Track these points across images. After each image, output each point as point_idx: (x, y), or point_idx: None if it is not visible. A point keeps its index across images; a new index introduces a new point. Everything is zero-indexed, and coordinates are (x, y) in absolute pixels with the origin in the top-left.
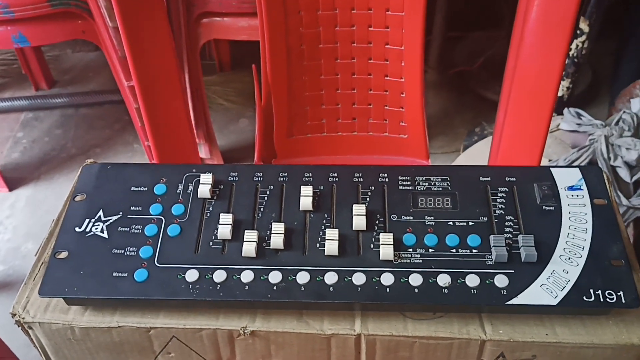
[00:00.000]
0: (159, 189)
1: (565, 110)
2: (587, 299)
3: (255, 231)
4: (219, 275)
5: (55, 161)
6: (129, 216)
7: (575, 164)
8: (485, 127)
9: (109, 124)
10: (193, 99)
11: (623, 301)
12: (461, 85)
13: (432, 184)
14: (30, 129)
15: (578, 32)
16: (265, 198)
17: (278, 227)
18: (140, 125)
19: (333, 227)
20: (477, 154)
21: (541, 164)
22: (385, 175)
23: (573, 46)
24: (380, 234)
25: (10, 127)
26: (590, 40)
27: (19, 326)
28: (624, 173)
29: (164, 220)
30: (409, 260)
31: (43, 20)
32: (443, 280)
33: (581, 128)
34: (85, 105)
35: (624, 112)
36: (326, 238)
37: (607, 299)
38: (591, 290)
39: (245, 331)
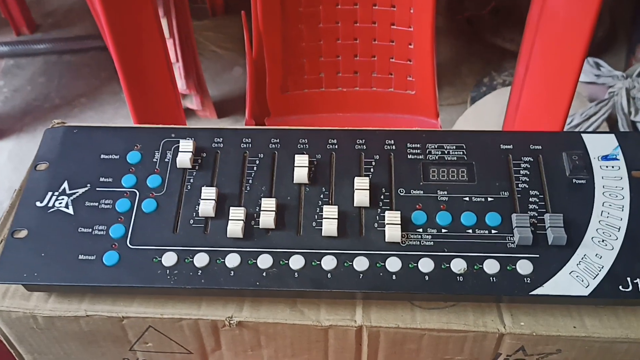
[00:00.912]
0: (133, 157)
1: None
2: (623, 289)
3: (242, 208)
4: (201, 259)
5: (38, 112)
6: (97, 189)
7: (593, 119)
8: (495, 77)
9: (95, 72)
10: (182, 46)
11: None
12: (470, 32)
13: (446, 152)
14: (11, 77)
15: None
16: (254, 168)
17: (268, 203)
18: None
19: (331, 204)
20: (486, 108)
21: None
22: (392, 141)
23: None
24: (386, 211)
25: None
26: None
27: None
28: None
29: (137, 193)
30: (418, 243)
31: None
32: (457, 266)
33: (600, 80)
34: (69, 52)
35: None
36: (324, 216)
37: None
38: (628, 279)
39: (231, 322)
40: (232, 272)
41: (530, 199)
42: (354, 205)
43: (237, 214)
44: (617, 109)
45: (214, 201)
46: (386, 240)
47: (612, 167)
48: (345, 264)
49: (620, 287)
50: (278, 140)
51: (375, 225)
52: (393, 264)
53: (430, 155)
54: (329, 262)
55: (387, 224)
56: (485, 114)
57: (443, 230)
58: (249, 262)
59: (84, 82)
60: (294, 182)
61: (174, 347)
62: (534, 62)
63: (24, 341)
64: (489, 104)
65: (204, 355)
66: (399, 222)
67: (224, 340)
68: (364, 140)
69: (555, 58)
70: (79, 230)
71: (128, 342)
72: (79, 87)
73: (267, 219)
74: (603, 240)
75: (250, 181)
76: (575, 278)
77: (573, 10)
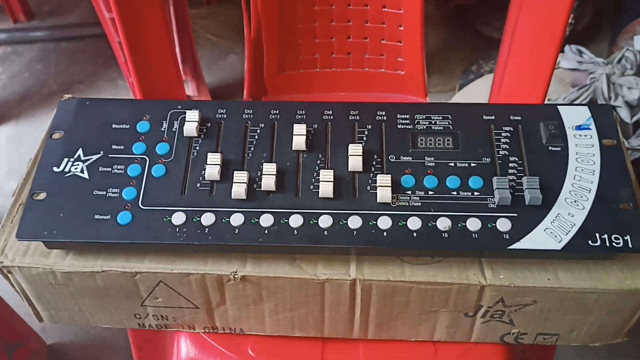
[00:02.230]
0: (142, 126)
1: (567, 48)
2: (592, 244)
3: (245, 172)
4: (207, 218)
5: (36, 97)
6: (110, 155)
7: (575, 103)
8: (482, 65)
9: (92, 58)
10: (179, 33)
11: (630, 246)
12: (458, 20)
13: (433, 122)
14: (9, 64)
15: None
16: (256, 137)
17: (269, 168)
18: (123, 60)
19: (328, 168)
20: (473, 93)
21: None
22: (383, 113)
23: None
24: (378, 175)
25: None
26: None
27: None
28: (624, 113)
29: (147, 160)
30: (407, 203)
31: None
32: (443, 224)
33: (582, 66)
34: (66, 39)
35: (627, 49)
36: (320, 179)
37: (614, 244)
38: (597, 235)
39: (236, 276)
40: (237, 229)
41: (510, 165)
42: (349, 169)
43: (240, 177)
44: (597, 94)
45: (219, 166)
46: (378, 200)
47: (585, 135)
48: (340, 222)
49: (590, 242)
50: (277, 112)
51: (368, 187)
52: (384, 222)
53: (419, 125)
54: (325, 221)
55: (379, 186)
56: (473, 99)
57: (430, 192)
58: (252, 221)
59: (80, 69)
60: (293, 149)
61: (182, 302)
62: (516, 41)
63: (41, 297)
64: (476, 89)
65: (209, 310)
66: (390, 185)
67: (229, 295)
68: (357, 112)
69: (537, 37)
70: (94, 192)
71: (140, 297)
72: (75, 74)
73: (268, 182)
74: (575, 201)
75: (252, 148)
76: (549, 234)
77: None
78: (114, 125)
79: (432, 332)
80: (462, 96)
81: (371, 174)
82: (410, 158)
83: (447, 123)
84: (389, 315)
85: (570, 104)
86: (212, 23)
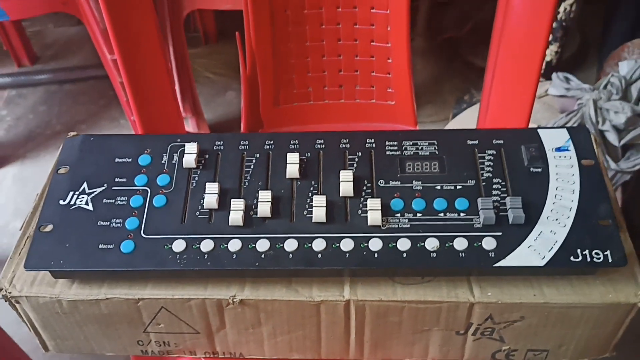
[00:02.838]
0: (144, 159)
1: (554, 75)
2: (574, 259)
3: (242, 200)
4: (207, 245)
5: (40, 138)
6: (113, 188)
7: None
8: (474, 95)
9: (94, 99)
10: (178, 71)
11: (610, 260)
12: (450, 52)
13: (420, 148)
14: (14, 107)
15: None
16: (252, 166)
17: (265, 195)
18: (125, 99)
19: (320, 194)
20: (465, 121)
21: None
22: (372, 140)
23: (561, 9)
24: (368, 199)
25: None
26: (578, 3)
27: (6, 301)
28: (612, 137)
29: (149, 191)
30: (397, 225)
31: None
32: (431, 244)
33: (570, 93)
34: (69, 81)
35: (612, 75)
36: (313, 205)
37: (595, 259)
38: (578, 251)
39: (235, 300)
40: (235, 255)
41: (494, 186)
42: (340, 195)
43: (237, 205)
44: (585, 119)
45: (217, 194)
46: (368, 224)
47: (564, 157)
48: (333, 245)
49: (572, 258)
50: (272, 142)
51: (359, 211)
52: (375, 244)
53: (406, 151)
54: (319, 244)
55: (369, 209)
56: (465, 126)
57: (418, 215)
58: (249, 246)
59: (83, 109)
60: (287, 177)
61: (183, 327)
62: (498, 70)
63: (48, 326)
64: (467, 118)
65: (210, 335)
66: (380, 208)
67: (228, 319)
68: (347, 140)
69: (517, 66)
70: (98, 223)
71: (142, 323)
72: (78, 114)
73: (264, 209)
74: (556, 219)
75: (248, 177)
76: (532, 251)
77: (530, 24)
78: (116, 160)
79: (425, 351)
80: (455, 124)
81: (362, 199)
82: (399, 182)
83: (433, 148)
84: (383, 335)
85: (551, 127)
86: (210, 62)
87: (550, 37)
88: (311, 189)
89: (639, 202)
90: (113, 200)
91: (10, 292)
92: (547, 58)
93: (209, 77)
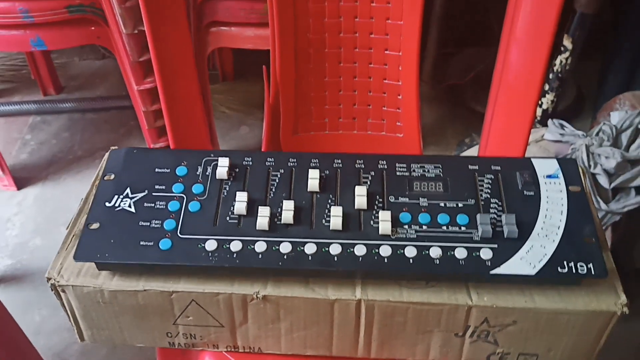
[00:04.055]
0: (181, 170)
1: (550, 122)
2: (561, 270)
3: (268, 207)
4: (236, 245)
5: (62, 162)
6: (153, 194)
7: None
8: (475, 139)
9: (115, 128)
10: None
11: (593, 272)
12: (453, 99)
13: (426, 170)
14: (38, 132)
15: (562, 48)
16: (277, 180)
17: (288, 205)
18: (147, 128)
19: (337, 206)
20: None
21: None
22: (384, 162)
23: (557, 62)
24: (380, 212)
25: (19, 129)
26: (574, 56)
27: (52, 290)
28: (603, 180)
29: (185, 197)
30: (404, 235)
31: (61, 26)
32: (435, 252)
33: (564, 138)
34: (91, 110)
35: (604, 123)
36: (331, 215)
37: (579, 270)
38: (565, 263)
39: (258, 295)
40: (260, 255)
41: (491, 205)
42: (355, 207)
43: (264, 211)
44: (578, 163)
45: (245, 202)
46: (380, 233)
47: (554, 183)
48: (348, 250)
49: (559, 269)
50: (295, 160)
51: (371, 222)
52: (385, 251)
53: (414, 173)
54: (335, 249)
55: (380, 220)
56: None
57: (424, 227)
58: (273, 248)
59: (104, 137)
60: (308, 190)
61: (210, 320)
62: (496, 117)
63: (87, 316)
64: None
65: (233, 329)
66: (390, 220)
67: (251, 314)
68: (362, 161)
69: (513, 111)
70: (139, 223)
71: (173, 315)
72: (99, 141)
73: (287, 216)
74: (546, 235)
75: (273, 189)
76: (524, 262)
77: (525, 76)
78: (156, 170)
79: (427, 352)
80: None
81: (374, 211)
82: (407, 199)
83: (438, 171)
84: (389, 334)
85: (543, 157)
86: (227, 98)
87: (547, 87)
88: (329, 201)
89: (628, 241)
90: (153, 204)
91: (58, 282)
92: (544, 106)
93: (224, 112)
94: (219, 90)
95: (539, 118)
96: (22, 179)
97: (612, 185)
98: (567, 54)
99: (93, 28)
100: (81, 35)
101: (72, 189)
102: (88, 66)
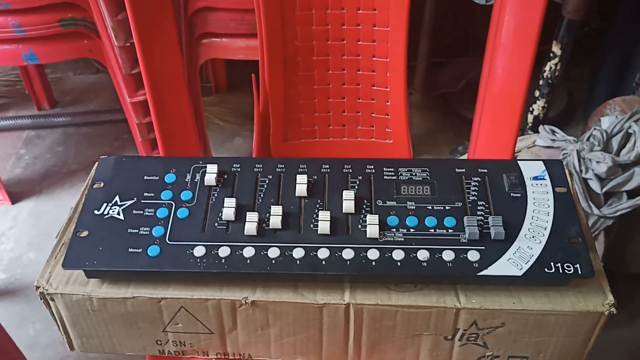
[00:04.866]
0: (169, 177)
1: (541, 128)
2: (548, 271)
3: (256, 213)
4: (224, 251)
5: (56, 176)
6: (142, 201)
7: None
8: (467, 146)
9: (109, 141)
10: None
11: (579, 272)
12: (444, 107)
13: (413, 174)
14: (32, 146)
15: (551, 54)
16: (265, 186)
17: (276, 210)
18: (140, 140)
19: (325, 210)
20: None
21: None
22: (372, 167)
23: (547, 68)
24: (367, 215)
25: (13, 144)
26: (563, 62)
27: (41, 298)
28: (594, 185)
29: (173, 204)
30: (392, 239)
31: (53, 40)
32: (422, 255)
33: (555, 144)
34: (85, 124)
35: (595, 128)
36: (319, 219)
37: (566, 271)
38: (552, 264)
39: (247, 301)
40: (248, 260)
41: (478, 207)
42: (343, 211)
43: (252, 217)
44: (569, 168)
45: (234, 208)
46: (367, 236)
47: (541, 184)
48: (336, 254)
49: (546, 270)
50: (283, 166)
51: (359, 225)
52: (373, 254)
53: (402, 177)
54: (323, 253)
55: (368, 224)
56: None
57: (411, 230)
58: (261, 253)
59: (98, 151)
60: (296, 195)
61: (199, 327)
62: (484, 118)
63: (77, 324)
64: None
65: (222, 335)
66: (377, 223)
67: (240, 320)
68: (350, 166)
69: (500, 116)
70: (128, 230)
71: (162, 322)
72: (94, 155)
73: (275, 221)
74: (533, 236)
75: (261, 195)
76: (511, 263)
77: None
78: (145, 177)
79: (417, 356)
80: None
81: (362, 215)
82: (395, 202)
83: (425, 175)
84: (379, 339)
85: (529, 159)
86: (220, 109)
87: (538, 93)
88: (317, 205)
89: (621, 246)
90: (142, 212)
91: (46, 290)
92: (535, 112)
93: (218, 123)
94: (212, 102)
95: (530, 124)
96: (16, 194)
97: (604, 189)
98: (557, 59)
99: (85, 41)
100: (74, 48)
101: (66, 203)
102: (82, 81)
